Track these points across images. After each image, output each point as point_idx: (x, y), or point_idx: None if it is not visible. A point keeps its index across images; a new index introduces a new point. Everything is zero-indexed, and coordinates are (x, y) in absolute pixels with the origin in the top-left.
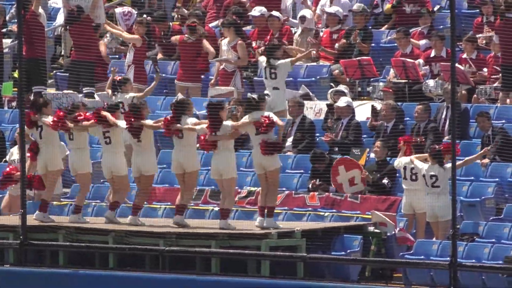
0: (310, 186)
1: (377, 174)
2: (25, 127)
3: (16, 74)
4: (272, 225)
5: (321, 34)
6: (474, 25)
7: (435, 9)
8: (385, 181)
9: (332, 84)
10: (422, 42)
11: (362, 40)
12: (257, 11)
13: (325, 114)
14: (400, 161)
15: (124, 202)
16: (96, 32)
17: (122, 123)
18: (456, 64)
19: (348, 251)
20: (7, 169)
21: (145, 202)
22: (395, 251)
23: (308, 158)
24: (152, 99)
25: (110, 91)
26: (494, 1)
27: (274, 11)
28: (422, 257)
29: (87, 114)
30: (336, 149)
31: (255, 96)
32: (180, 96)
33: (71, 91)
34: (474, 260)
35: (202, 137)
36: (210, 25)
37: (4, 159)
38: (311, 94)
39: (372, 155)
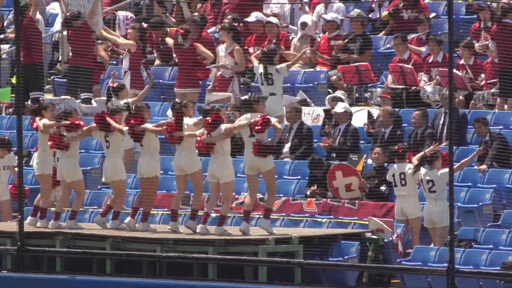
0: (307, 192)
1: (375, 180)
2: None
3: (14, 80)
4: (267, 227)
5: (318, 39)
6: (471, 31)
7: (431, 16)
8: (382, 188)
9: (329, 90)
10: (423, 49)
11: (361, 47)
12: (253, 17)
13: (323, 120)
14: (389, 171)
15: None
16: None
17: (125, 129)
18: (454, 70)
19: (346, 257)
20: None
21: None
22: (393, 257)
23: (305, 164)
24: (149, 105)
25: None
26: (492, 6)
27: (271, 17)
28: (420, 263)
29: (81, 121)
30: (334, 155)
31: (247, 96)
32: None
33: (68, 97)
34: (471, 266)
35: (198, 138)
36: (208, 31)
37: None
38: (308, 100)
39: (370, 161)
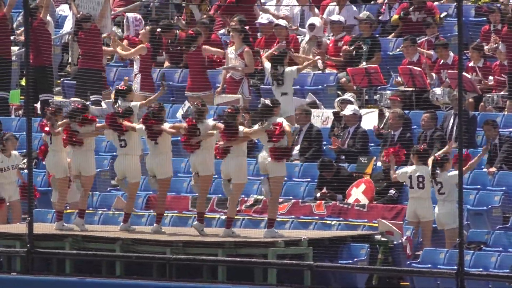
0: (317, 194)
1: (384, 182)
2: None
3: (23, 82)
4: (273, 235)
5: (327, 42)
6: (481, 33)
7: (442, 15)
8: (392, 191)
9: (339, 92)
10: (432, 52)
11: (370, 49)
12: (265, 18)
13: (332, 123)
14: (403, 172)
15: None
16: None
17: (139, 126)
18: (463, 72)
19: (355, 259)
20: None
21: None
22: (402, 259)
23: (315, 166)
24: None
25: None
26: (502, 9)
27: (281, 20)
28: (429, 265)
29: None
30: (343, 157)
31: (268, 101)
32: (187, 105)
33: (78, 99)
34: (481, 269)
35: (215, 145)
36: (218, 33)
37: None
38: (318, 102)
39: (379, 163)
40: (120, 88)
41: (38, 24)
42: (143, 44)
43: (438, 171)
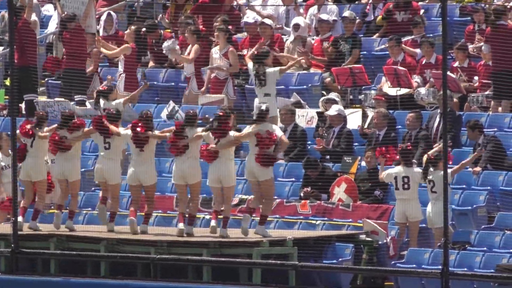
0: (301, 194)
1: (368, 183)
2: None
3: (7, 82)
4: (263, 232)
5: (312, 41)
6: (465, 33)
7: (421, 12)
8: (377, 192)
9: (323, 92)
10: (418, 50)
11: (351, 47)
12: (251, 17)
13: (317, 122)
14: (389, 173)
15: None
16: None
17: (125, 132)
18: (448, 72)
19: (340, 259)
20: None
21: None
22: (387, 259)
23: (299, 166)
24: (144, 108)
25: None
26: (486, 8)
27: (266, 19)
28: (414, 265)
29: (82, 121)
30: (328, 157)
31: (264, 107)
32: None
33: (62, 99)
34: (466, 269)
35: (203, 147)
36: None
37: None
38: (302, 102)
39: (363, 163)
40: (101, 88)
41: (23, 24)
42: (127, 44)
43: (431, 169)
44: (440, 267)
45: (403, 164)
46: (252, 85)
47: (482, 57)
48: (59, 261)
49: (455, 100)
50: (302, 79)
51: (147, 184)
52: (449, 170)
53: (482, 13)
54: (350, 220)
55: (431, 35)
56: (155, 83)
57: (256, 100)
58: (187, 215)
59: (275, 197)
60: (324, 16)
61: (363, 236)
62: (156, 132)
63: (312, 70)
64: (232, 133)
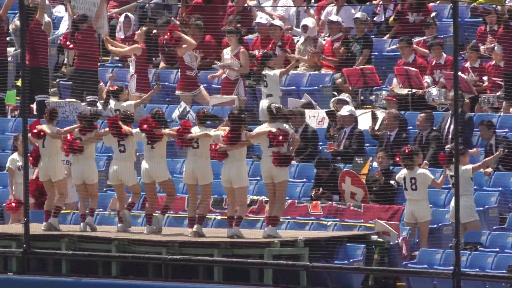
0: (313, 194)
1: (380, 183)
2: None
3: (19, 83)
4: (274, 233)
5: (323, 42)
6: (477, 33)
7: (432, 15)
8: (392, 182)
9: (334, 92)
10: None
11: (362, 48)
12: (264, 18)
13: (328, 123)
14: (400, 174)
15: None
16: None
17: (136, 130)
18: (459, 73)
19: (351, 260)
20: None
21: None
22: (398, 259)
23: (311, 167)
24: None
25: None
26: (498, 10)
27: (276, 20)
28: (426, 266)
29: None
30: (339, 158)
31: (275, 107)
32: (183, 105)
33: (74, 100)
34: (477, 269)
35: (213, 147)
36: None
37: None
38: (313, 102)
39: (375, 164)
40: (111, 88)
41: (34, 25)
42: (137, 44)
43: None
44: (451, 267)
45: (404, 166)
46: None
47: (493, 57)
48: (71, 261)
49: (466, 100)
50: (313, 79)
51: (159, 180)
52: (470, 166)
53: (494, 14)
54: (362, 220)
55: (442, 36)
56: (166, 83)
57: (262, 102)
58: (197, 216)
59: (287, 197)
60: (333, 18)
61: (374, 237)
62: (167, 130)
63: (323, 71)
64: (244, 133)
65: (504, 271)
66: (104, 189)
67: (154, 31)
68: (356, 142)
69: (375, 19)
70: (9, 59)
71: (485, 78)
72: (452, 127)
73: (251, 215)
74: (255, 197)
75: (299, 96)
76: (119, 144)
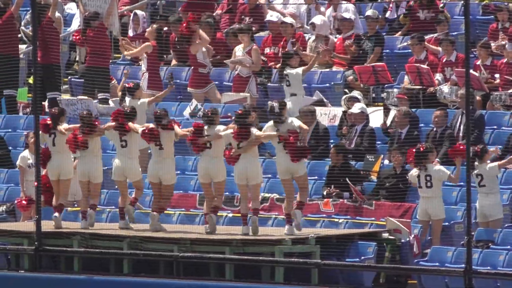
0: (324, 192)
1: (391, 180)
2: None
3: (31, 80)
4: (299, 217)
5: (335, 39)
6: (489, 31)
7: (441, 5)
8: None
9: (346, 90)
10: (439, 48)
11: (374, 45)
12: (274, 16)
13: (340, 121)
14: (411, 174)
15: (138, 208)
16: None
17: (141, 129)
18: (471, 71)
19: (363, 257)
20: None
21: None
22: (410, 257)
23: (322, 164)
24: (166, 105)
25: (120, 94)
26: (510, 7)
27: (287, 17)
28: (437, 263)
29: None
30: (350, 156)
31: (275, 104)
32: (194, 103)
33: (85, 97)
34: (489, 267)
35: (227, 153)
36: (225, 31)
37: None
38: (325, 100)
39: (386, 161)
40: (127, 85)
41: (46, 22)
42: (148, 42)
43: (477, 163)
44: (463, 265)
45: (414, 167)
46: (274, 83)
47: (505, 55)
48: (82, 258)
49: (477, 98)
50: (324, 77)
51: (166, 183)
52: (495, 163)
53: (506, 12)
54: (373, 218)
55: (454, 33)
56: (178, 81)
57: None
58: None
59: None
60: (345, 15)
61: (386, 235)
62: (178, 130)
63: (334, 68)
64: (254, 130)
65: None
66: (116, 187)
67: (165, 28)
68: (367, 140)
69: (386, 16)
70: (21, 56)
71: (497, 75)
72: (463, 125)
73: (263, 213)
74: (266, 195)
75: (310, 93)
76: (121, 140)
